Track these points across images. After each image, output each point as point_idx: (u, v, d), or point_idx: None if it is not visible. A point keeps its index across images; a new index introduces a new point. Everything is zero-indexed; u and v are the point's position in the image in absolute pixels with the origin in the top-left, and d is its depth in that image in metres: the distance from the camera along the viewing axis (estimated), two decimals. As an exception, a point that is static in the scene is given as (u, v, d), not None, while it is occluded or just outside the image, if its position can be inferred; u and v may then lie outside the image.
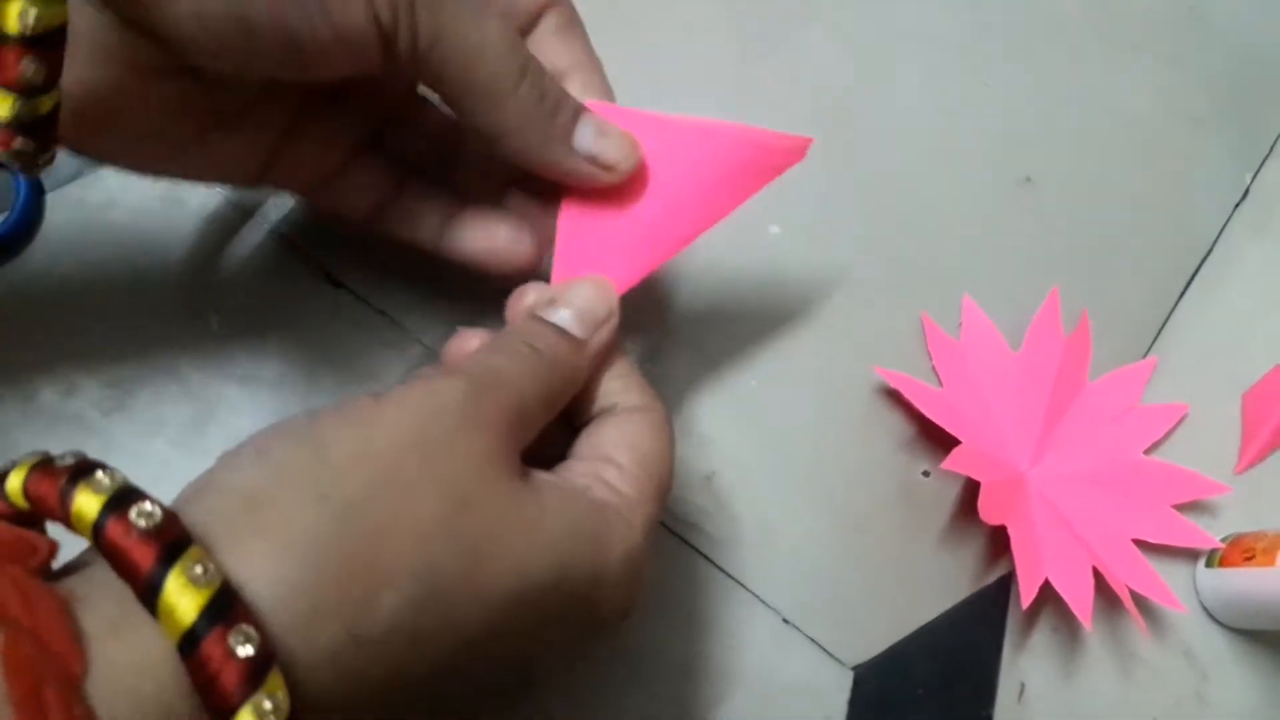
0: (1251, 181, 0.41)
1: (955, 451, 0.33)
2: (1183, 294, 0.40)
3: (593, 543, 0.24)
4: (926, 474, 0.36)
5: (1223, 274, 0.40)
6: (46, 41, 0.21)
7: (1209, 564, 0.36)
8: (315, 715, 0.19)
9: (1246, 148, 0.42)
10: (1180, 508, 0.37)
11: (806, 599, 0.35)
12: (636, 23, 0.40)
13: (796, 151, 0.30)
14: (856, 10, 0.41)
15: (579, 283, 0.28)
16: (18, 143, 0.22)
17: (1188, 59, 0.43)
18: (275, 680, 0.18)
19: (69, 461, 0.19)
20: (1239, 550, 0.35)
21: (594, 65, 0.29)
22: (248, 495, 0.20)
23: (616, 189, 0.28)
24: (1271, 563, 0.34)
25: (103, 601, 0.18)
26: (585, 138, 0.27)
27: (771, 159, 0.30)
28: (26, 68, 0.21)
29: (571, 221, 0.29)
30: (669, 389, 0.36)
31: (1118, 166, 0.41)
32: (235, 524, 0.19)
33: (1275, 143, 0.42)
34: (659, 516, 0.27)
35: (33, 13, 0.20)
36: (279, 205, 0.36)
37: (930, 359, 0.37)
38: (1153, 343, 0.39)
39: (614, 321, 0.28)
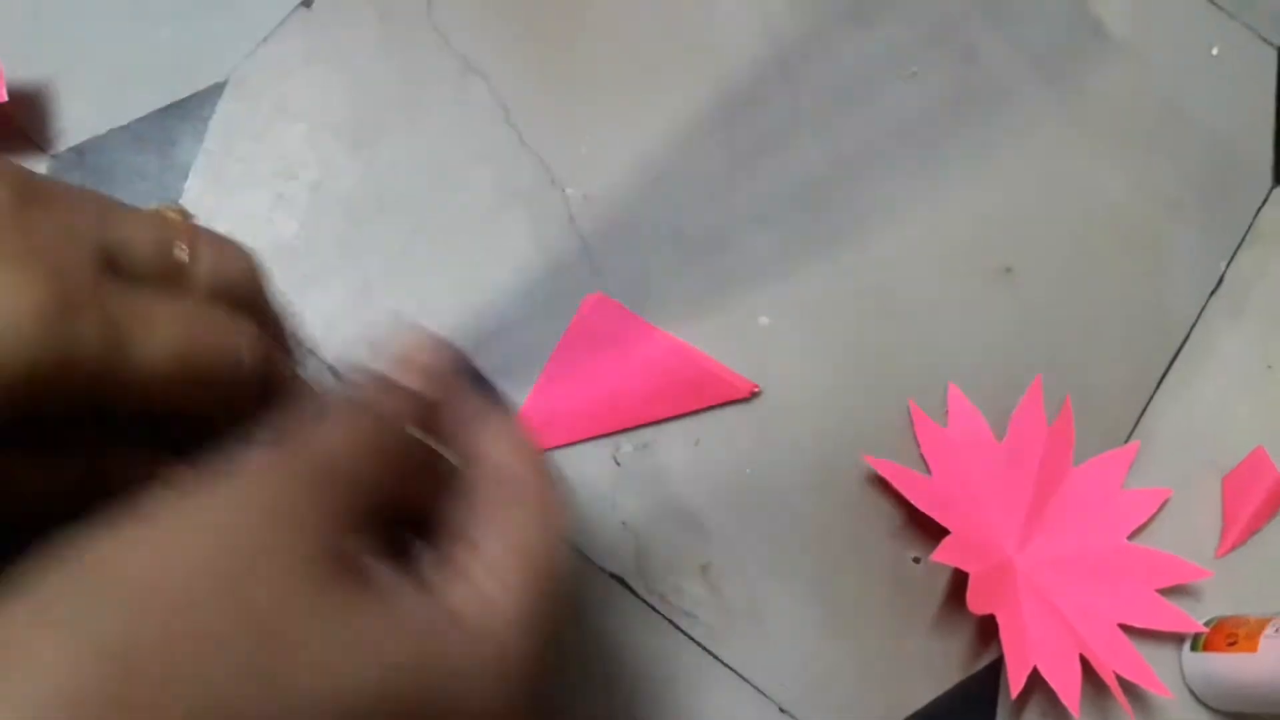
0: (1226, 269, 0.43)
1: (945, 543, 0.34)
2: (1162, 380, 0.41)
3: (436, 668, 0.20)
4: (917, 560, 0.37)
5: (1200, 360, 0.41)
6: None
7: (1194, 648, 0.37)
8: None
9: (1220, 236, 0.43)
10: (1164, 591, 0.38)
11: (801, 687, 0.36)
12: (630, 119, 0.41)
13: (741, 390, 0.38)
14: (840, 111, 0.43)
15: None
16: None
17: (1162, 149, 0.44)
18: None
19: None
20: (1222, 635, 0.36)
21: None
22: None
23: (587, 369, 0.37)
24: (1254, 648, 0.34)
25: None
26: None
27: (718, 388, 0.38)
28: None
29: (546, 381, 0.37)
30: (663, 480, 0.37)
31: (1096, 255, 0.42)
32: None
33: (1248, 231, 0.44)
34: (550, 614, 0.23)
35: None
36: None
37: (919, 446, 0.38)
38: (1134, 428, 0.40)
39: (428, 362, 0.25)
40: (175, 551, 0.19)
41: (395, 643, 0.20)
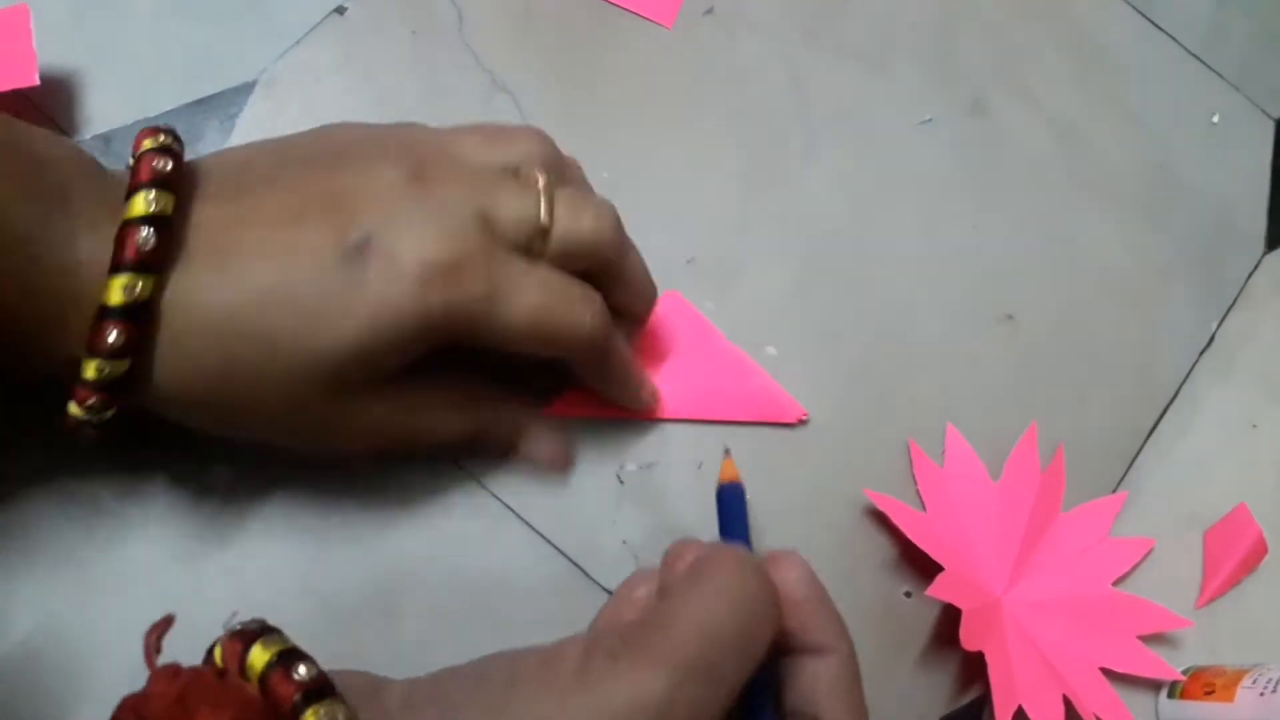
0: (1216, 329, 0.44)
1: (939, 579, 0.35)
2: (1150, 433, 0.42)
3: None
4: (908, 595, 0.38)
5: (1188, 416, 0.43)
6: (134, 315, 0.25)
7: (1171, 695, 0.38)
8: None
9: (1211, 297, 0.45)
10: (1145, 639, 0.38)
11: (790, 713, 0.36)
12: (647, 152, 0.42)
13: (790, 412, 0.39)
14: (853, 153, 0.44)
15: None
16: (93, 400, 0.26)
17: (1159, 211, 0.46)
18: None
19: (252, 627, 0.22)
20: (1199, 684, 0.37)
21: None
22: None
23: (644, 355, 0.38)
24: (1230, 699, 0.35)
25: None
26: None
27: (768, 405, 0.39)
28: (115, 337, 0.25)
29: None
30: (664, 501, 0.38)
31: (1093, 310, 0.43)
32: None
33: (1239, 295, 0.45)
34: None
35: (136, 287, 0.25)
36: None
37: (916, 483, 0.39)
38: (1122, 478, 0.41)
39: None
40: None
41: None
